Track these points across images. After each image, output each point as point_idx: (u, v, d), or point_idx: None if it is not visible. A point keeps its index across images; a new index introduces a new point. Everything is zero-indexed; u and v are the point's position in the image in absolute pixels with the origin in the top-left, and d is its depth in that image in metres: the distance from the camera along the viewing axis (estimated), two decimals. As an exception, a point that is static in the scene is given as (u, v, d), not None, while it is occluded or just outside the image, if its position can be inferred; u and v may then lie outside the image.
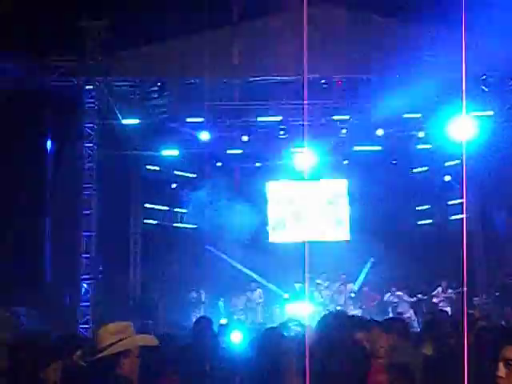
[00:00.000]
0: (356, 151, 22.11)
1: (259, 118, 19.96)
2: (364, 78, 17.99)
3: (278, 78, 17.55)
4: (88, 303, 16.91)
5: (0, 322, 14.29)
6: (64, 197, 18.13)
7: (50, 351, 5.88)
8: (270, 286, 21.27)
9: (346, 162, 22.73)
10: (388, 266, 21.11)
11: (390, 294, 20.41)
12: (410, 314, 19.57)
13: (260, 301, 20.47)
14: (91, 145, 17.48)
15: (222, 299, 21.25)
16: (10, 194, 17.32)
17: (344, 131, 20.51)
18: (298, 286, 20.53)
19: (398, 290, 20.27)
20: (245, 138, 20.58)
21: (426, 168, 23.39)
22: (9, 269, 17.16)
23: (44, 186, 18.67)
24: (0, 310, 15.14)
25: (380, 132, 20.32)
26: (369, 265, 21.93)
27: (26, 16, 16.14)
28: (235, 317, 19.74)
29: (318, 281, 20.67)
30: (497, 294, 19.65)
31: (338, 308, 19.10)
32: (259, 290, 20.61)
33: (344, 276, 20.97)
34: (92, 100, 17.44)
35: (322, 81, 17.84)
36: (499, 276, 20.47)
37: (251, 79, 17.64)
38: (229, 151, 21.92)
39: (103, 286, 17.94)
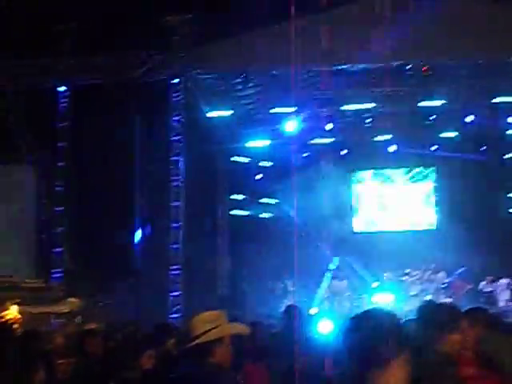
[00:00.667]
0: (444, 138, 21.60)
1: (346, 107, 19.76)
2: (450, 63, 17.53)
3: (361, 65, 17.32)
4: (177, 293, 17.21)
5: (92, 312, 14.80)
6: (152, 190, 18.52)
7: (144, 340, 6.05)
8: (360, 274, 20.97)
9: (434, 147, 22.16)
10: (479, 255, 20.57)
11: (484, 282, 19.82)
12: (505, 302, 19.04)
13: (347, 291, 20.30)
14: (178, 137, 17.75)
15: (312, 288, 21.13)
16: (101, 189, 17.86)
17: (432, 117, 20.06)
18: (386, 275, 20.30)
19: (494, 279, 19.64)
20: (330, 127, 20.43)
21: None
22: (100, 259, 17.73)
23: (133, 178, 19.12)
24: (92, 300, 15.69)
25: (469, 118, 19.82)
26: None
27: (115, 14, 16.56)
28: (323, 306, 19.66)
29: (407, 270, 20.34)
30: None
31: (429, 297, 18.79)
32: (346, 281, 20.42)
33: (433, 265, 20.52)
34: (179, 93, 17.69)
35: (408, 67, 17.47)
36: None
37: (338, 67, 17.47)
38: (315, 141, 21.81)
39: (192, 276, 18.22)
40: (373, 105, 19.53)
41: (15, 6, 15.87)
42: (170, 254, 17.40)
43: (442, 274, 20.30)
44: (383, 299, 19.34)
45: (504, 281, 19.58)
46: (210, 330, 3.91)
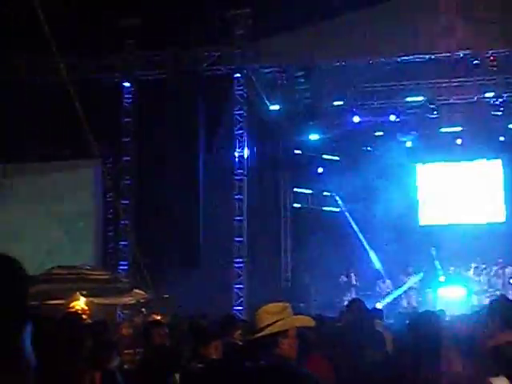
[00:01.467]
0: (510, 129, 21.10)
1: (408, 99, 19.53)
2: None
3: (427, 56, 17.07)
4: (241, 286, 17.35)
5: (158, 304, 15.04)
6: (216, 184, 18.69)
7: (210, 330, 6.13)
8: (434, 265, 20.53)
9: (501, 138, 21.63)
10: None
11: None
12: None
13: (414, 285, 20.00)
14: (241, 132, 17.85)
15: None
16: (166, 183, 18.15)
17: (498, 108, 19.61)
18: (452, 269, 19.97)
19: None
20: (393, 118, 20.21)
21: None
22: (165, 252, 18.00)
23: (197, 172, 19.33)
24: (157, 292, 15.94)
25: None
26: None
27: (177, 10, 16.74)
28: (386, 301, 19.47)
29: (474, 264, 19.95)
30: None
31: (498, 292, 18.40)
32: (414, 275, 20.12)
33: (501, 260, 20.05)
34: (241, 88, 17.79)
35: (474, 57, 17.13)
36: None
37: (398, 59, 17.27)
38: (377, 133, 21.63)
39: (255, 269, 18.33)
40: (437, 96, 19.24)
41: (79, 3, 16.20)
42: (234, 247, 17.55)
43: (509, 269, 19.79)
44: (451, 293, 19.05)
45: None
46: (275, 321, 3.93)
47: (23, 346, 1.68)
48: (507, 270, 19.69)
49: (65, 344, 2.62)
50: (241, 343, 6.34)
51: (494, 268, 19.84)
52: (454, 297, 18.94)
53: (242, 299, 17.19)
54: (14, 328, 1.66)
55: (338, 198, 23.07)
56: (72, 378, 2.62)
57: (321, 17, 17.06)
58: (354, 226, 22.25)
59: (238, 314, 16.20)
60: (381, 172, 21.86)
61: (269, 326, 3.94)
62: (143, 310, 14.74)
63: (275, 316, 3.95)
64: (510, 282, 19.48)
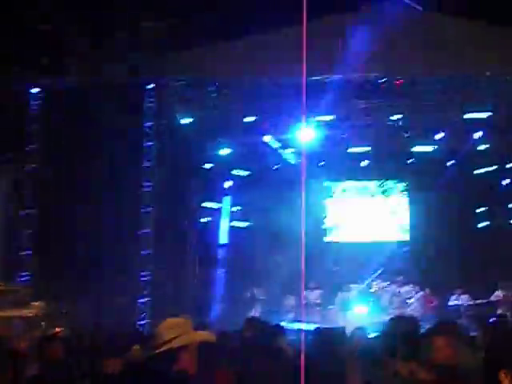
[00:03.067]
0: (417, 152, 21.81)
1: (318, 118, 19.82)
2: (423, 78, 17.71)
3: (336, 76, 17.40)
4: (145, 300, 17.10)
5: (58, 317, 14.64)
6: (123, 195, 18.39)
7: (109, 345, 5.99)
8: (328, 286, 20.98)
9: (407, 162, 22.36)
10: (450, 268, 20.77)
11: (455, 295, 19.87)
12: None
13: (317, 301, 20.27)
14: (150, 144, 17.65)
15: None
16: (71, 192, 17.74)
17: (404, 131, 20.23)
18: (356, 286, 20.35)
19: (463, 292, 19.70)
20: (301, 137, 20.49)
21: (487, 169, 22.86)
22: (67, 265, 17.55)
23: (103, 183, 18.95)
24: (58, 305, 15.51)
25: (441, 134, 20.04)
26: None
27: (87, 16, 16.47)
28: (291, 316, 19.62)
29: (377, 282, 20.42)
30: None
31: (397, 311, 18.87)
32: (318, 291, 20.40)
33: (401, 277, 20.61)
34: (151, 99, 17.61)
35: (382, 80, 17.58)
36: None
37: (312, 79, 17.52)
38: (286, 150, 21.87)
39: (161, 283, 18.13)
40: (348, 117, 19.66)
41: None
42: (140, 260, 17.30)
43: (406, 288, 20.32)
44: (355, 310, 19.41)
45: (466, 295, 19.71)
46: (176, 337, 3.88)
47: None
48: (404, 289, 20.22)
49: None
50: (141, 358, 6.22)
51: (394, 286, 20.38)
52: (357, 314, 19.30)
53: (145, 313, 16.95)
54: None
55: (246, 214, 23.15)
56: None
57: (236, 32, 17.15)
58: (261, 241, 22.35)
59: (141, 327, 15.98)
60: (289, 188, 22.11)
61: (169, 341, 3.89)
62: (43, 323, 14.30)
63: (176, 331, 3.91)
64: (406, 302, 20.01)
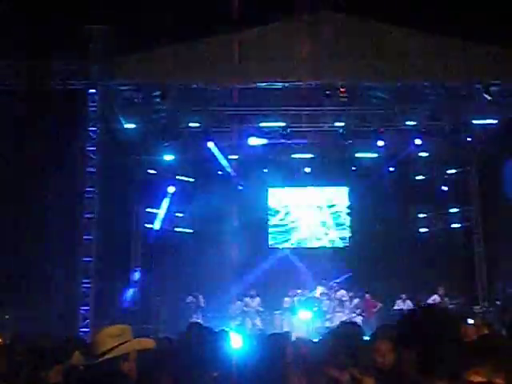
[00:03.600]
0: (357, 158, 22.12)
1: (261, 124, 19.94)
2: (366, 84, 17.96)
3: (281, 84, 17.52)
4: (88, 307, 16.87)
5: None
6: (65, 200, 18.12)
7: (51, 353, 5.90)
8: (270, 292, 21.07)
9: (348, 168, 22.68)
10: (389, 273, 21.08)
11: (400, 300, 20.10)
12: None
13: (259, 308, 20.31)
14: (93, 148, 17.44)
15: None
16: (11, 201, 17.37)
17: (346, 138, 20.46)
18: (299, 291, 20.46)
19: (407, 298, 19.94)
20: (250, 143, 20.58)
21: (426, 176, 23.35)
22: (7, 272, 17.17)
23: (46, 189, 18.63)
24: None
25: (381, 143, 20.34)
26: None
27: (30, 18, 16.21)
28: (234, 323, 19.62)
29: (320, 287, 20.58)
30: (498, 302, 19.56)
31: (339, 315, 19.07)
32: (258, 298, 20.44)
33: (344, 282, 20.85)
34: (95, 104, 17.41)
35: (325, 87, 17.76)
36: (500, 285, 20.40)
37: (253, 85, 17.60)
38: (230, 156, 21.91)
39: (103, 290, 17.91)
40: (289, 124, 19.79)
41: None
42: (82, 267, 17.05)
43: (341, 293, 20.44)
44: (298, 316, 19.49)
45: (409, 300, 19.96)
46: (116, 345, 3.86)
47: None
48: (345, 294, 20.40)
49: None
50: (82, 367, 6.14)
51: (336, 291, 20.55)
52: (300, 319, 19.40)
53: (87, 321, 16.71)
54: None
55: (190, 219, 23.09)
56: None
57: (180, 38, 17.11)
58: (205, 247, 22.31)
59: (83, 336, 15.74)
60: (234, 194, 22.20)
61: (109, 350, 3.86)
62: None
63: (115, 339, 3.88)
64: (349, 307, 20.16)
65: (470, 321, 10.07)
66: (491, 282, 21.75)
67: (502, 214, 20.44)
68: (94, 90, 17.33)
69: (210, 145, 20.40)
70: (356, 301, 20.29)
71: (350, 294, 20.43)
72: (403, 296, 19.96)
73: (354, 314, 19.72)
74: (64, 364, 5.72)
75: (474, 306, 20.33)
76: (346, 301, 20.22)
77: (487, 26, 16.12)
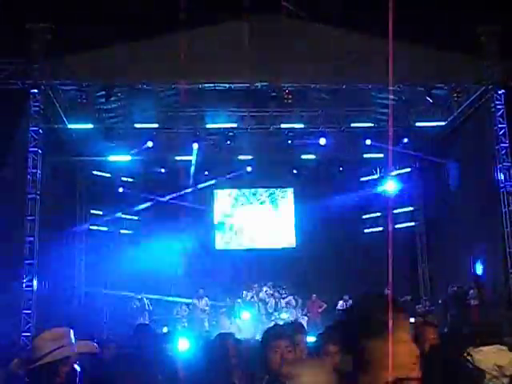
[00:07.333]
0: (304, 159, 22.23)
1: (208, 125, 19.88)
2: (312, 86, 18.05)
3: (227, 85, 17.49)
4: (29, 311, 16.53)
5: None
6: (7, 200, 17.74)
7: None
8: (217, 293, 21.04)
9: (294, 170, 22.82)
10: (334, 274, 21.26)
11: (342, 301, 20.28)
12: None
13: (206, 309, 20.25)
14: (36, 149, 17.09)
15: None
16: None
17: (292, 139, 20.54)
18: (244, 293, 20.49)
19: (349, 298, 20.11)
20: (195, 146, 20.52)
21: (373, 176, 23.62)
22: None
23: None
24: None
25: (323, 141, 20.41)
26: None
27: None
28: (180, 324, 19.53)
29: (265, 288, 20.66)
30: (440, 301, 19.90)
31: (284, 316, 19.15)
32: (206, 298, 20.38)
33: (289, 283, 20.97)
34: (37, 104, 17.07)
35: (271, 89, 17.80)
36: (443, 284, 20.74)
37: (200, 85, 17.53)
38: (177, 157, 21.79)
39: (46, 293, 17.60)
40: (235, 125, 19.79)
41: None
42: (24, 269, 16.71)
43: (294, 294, 20.55)
44: (243, 317, 19.52)
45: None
46: (56, 349, 3.77)
47: None
48: (289, 296, 20.53)
49: None
50: (21, 372, 6.02)
51: (281, 292, 20.66)
52: (245, 320, 19.43)
53: (30, 324, 16.38)
54: None
55: (134, 221, 22.93)
56: None
57: (125, 37, 16.93)
58: (151, 248, 22.15)
59: (25, 340, 15.44)
60: (179, 196, 22.09)
61: (49, 353, 3.77)
62: None
63: (55, 343, 3.79)
64: (294, 307, 20.28)
65: (412, 319, 10.20)
66: (433, 281, 22.14)
67: (445, 214, 20.82)
68: (35, 90, 16.99)
69: (150, 144, 20.21)
70: (301, 301, 20.43)
71: (297, 294, 20.57)
72: (346, 297, 20.17)
73: (299, 315, 19.84)
74: (4, 369, 5.61)
75: (417, 306, 20.64)
76: (292, 301, 20.34)
77: (430, 28, 16.38)
